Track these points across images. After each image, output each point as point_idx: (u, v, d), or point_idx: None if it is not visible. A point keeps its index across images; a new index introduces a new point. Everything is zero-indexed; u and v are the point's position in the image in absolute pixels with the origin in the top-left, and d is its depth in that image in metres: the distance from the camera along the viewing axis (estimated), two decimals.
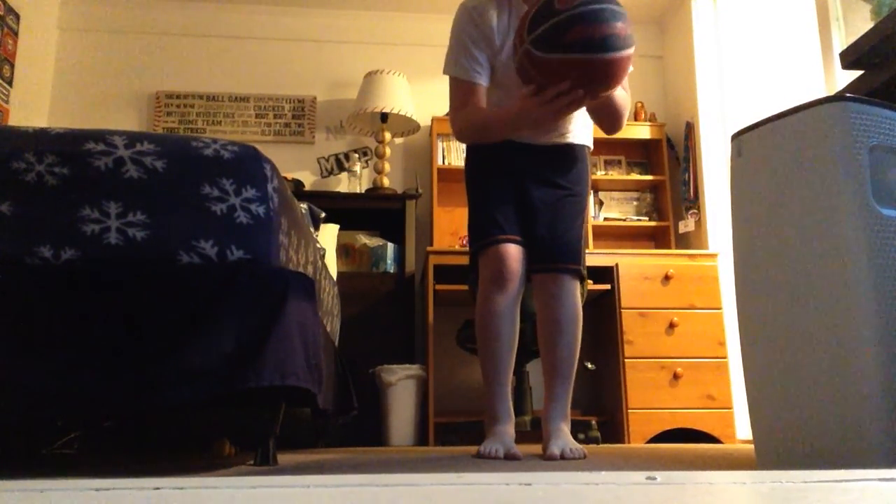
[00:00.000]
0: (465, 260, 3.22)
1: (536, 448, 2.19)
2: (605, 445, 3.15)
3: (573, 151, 2.15)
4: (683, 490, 0.78)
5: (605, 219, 4.20)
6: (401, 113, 3.98)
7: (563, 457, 1.83)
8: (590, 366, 3.33)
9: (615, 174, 4.25)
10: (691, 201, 4.01)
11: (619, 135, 2.28)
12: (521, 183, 2.09)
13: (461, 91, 2.07)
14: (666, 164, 4.17)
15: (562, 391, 2.02)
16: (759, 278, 1.43)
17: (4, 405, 1.42)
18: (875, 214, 1.28)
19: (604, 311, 3.70)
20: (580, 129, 2.16)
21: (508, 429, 2.01)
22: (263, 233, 1.63)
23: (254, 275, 1.55)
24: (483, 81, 2.06)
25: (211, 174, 1.61)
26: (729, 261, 2.37)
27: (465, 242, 3.80)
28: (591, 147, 2.24)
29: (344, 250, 3.89)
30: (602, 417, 3.60)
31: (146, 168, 1.59)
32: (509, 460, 1.85)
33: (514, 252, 2.03)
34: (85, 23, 4.30)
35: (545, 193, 2.09)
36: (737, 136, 1.50)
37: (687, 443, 3.30)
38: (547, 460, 1.85)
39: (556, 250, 2.05)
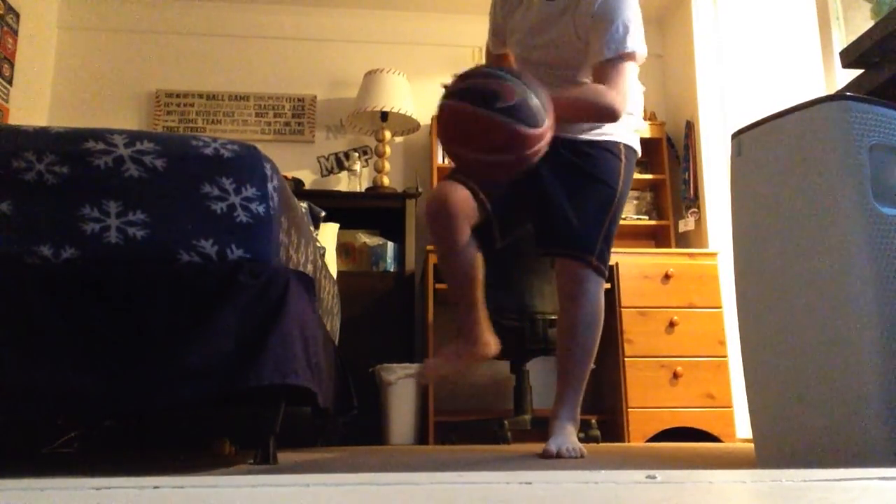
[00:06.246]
0: None
1: (536, 448, 2.19)
2: (605, 444, 3.15)
3: (603, 146, 2.05)
4: (683, 489, 0.78)
5: None
6: (401, 112, 3.97)
7: (559, 455, 1.83)
8: None
9: None
10: (691, 200, 4.00)
11: None
12: (534, 167, 1.92)
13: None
14: (666, 163, 4.16)
15: (571, 393, 2.01)
16: (759, 277, 1.43)
17: (5, 405, 1.42)
18: (875, 214, 1.28)
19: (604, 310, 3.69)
20: (613, 126, 2.04)
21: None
22: (263, 232, 1.63)
23: (254, 274, 1.55)
24: (493, 48, 2.33)
25: (211, 173, 1.61)
26: (729, 260, 2.37)
27: None
28: (636, 149, 2.15)
29: (344, 249, 3.89)
30: (602, 416, 3.59)
31: (146, 167, 1.59)
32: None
33: (460, 193, 1.97)
34: (85, 22, 4.30)
35: (562, 176, 1.99)
36: (737, 135, 1.50)
37: (687, 442, 3.29)
38: (544, 458, 1.85)
39: (571, 236, 1.97)
